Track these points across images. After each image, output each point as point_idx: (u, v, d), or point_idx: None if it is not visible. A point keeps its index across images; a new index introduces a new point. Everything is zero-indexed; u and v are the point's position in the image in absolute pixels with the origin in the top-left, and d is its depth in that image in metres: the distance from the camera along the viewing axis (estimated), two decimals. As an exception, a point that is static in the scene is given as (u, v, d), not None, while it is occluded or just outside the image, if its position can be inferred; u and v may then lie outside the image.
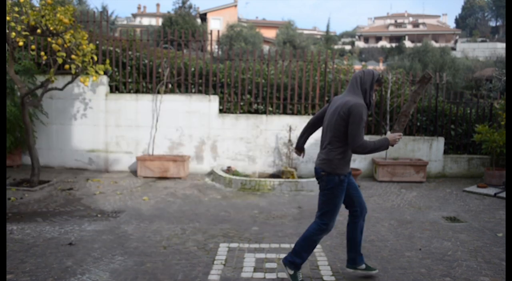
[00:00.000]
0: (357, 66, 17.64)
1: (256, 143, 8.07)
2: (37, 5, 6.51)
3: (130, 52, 8.37)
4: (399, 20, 58.05)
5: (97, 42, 8.19)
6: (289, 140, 7.78)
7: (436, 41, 43.85)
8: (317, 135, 8.37)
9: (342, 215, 5.51)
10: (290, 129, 7.84)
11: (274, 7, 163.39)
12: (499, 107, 8.28)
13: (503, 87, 11.55)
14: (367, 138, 8.19)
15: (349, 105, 3.14)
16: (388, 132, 3.34)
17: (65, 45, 6.35)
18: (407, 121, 3.45)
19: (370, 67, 13.53)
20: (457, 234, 4.77)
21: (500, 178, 7.47)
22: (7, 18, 5.91)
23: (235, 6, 35.08)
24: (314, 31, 53.81)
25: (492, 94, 13.62)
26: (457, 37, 48.42)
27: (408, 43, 42.27)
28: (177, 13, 28.93)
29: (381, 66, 27.25)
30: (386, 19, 59.93)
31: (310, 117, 8.05)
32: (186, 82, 8.30)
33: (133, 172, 8.00)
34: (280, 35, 27.50)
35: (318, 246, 4.27)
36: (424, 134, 8.55)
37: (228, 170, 7.65)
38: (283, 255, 3.97)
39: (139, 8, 56.80)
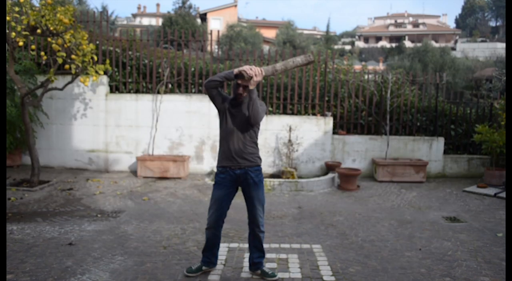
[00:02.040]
0: (357, 66, 17.63)
1: (256, 143, 8.06)
2: (37, 5, 6.51)
3: (130, 52, 8.37)
4: (399, 20, 58.02)
5: (97, 42, 8.19)
6: (289, 140, 7.78)
7: (436, 41, 43.83)
8: (316, 134, 8.33)
9: (342, 215, 5.52)
10: (290, 129, 7.84)
11: (274, 7, 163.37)
12: (499, 107, 8.28)
13: (503, 87, 11.56)
14: (366, 138, 8.21)
15: None
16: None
17: (65, 45, 6.35)
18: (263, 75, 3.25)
19: (370, 67, 13.55)
20: (457, 234, 4.77)
21: (500, 178, 7.47)
22: (7, 18, 5.91)
23: (235, 6, 35.06)
24: (314, 31, 53.80)
25: (492, 94, 13.62)
26: (457, 37, 48.40)
27: (408, 43, 42.25)
28: (177, 13, 28.91)
29: (381, 66, 27.24)
30: (386, 19, 59.90)
31: (310, 117, 8.11)
32: (186, 82, 8.30)
33: (133, 172, 8.00)
34: (280, 35, 27.50)
35: (318, 246, 4.27)
36: (424, 134, 8.55)
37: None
38: (283, 255, 3.98)
39: (139, 8, 56.80)
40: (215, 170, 3.50)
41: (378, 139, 8.23)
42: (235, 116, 3.39)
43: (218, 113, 3.54)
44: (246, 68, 3.17)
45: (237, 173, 3.34)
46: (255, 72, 3.15)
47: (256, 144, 3.45)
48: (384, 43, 48.49)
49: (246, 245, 4.22)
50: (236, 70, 3.22)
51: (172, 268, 3.64)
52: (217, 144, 8.27)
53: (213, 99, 3.47)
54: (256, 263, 3.53)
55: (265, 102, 8.28)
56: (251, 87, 3.21)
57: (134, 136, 8.09)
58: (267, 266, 3.72)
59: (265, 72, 3.25)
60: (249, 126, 3.37)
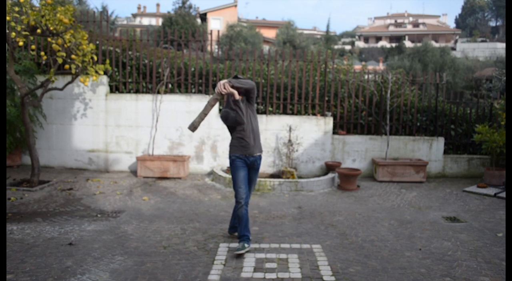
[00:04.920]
0: (357, 66, 17.62)
1: (256, 143, 8.06)
2: (37, 5, 6.51)
3: (130, 52, 8.37)
4: (399, 20, 58.02)
5: (97, 42, 8.19)
6: (289, 140, 7.78)
7: (436, 41, 43.86)
8: (316, 134, 8.34)
9: (342, 215, 5.52)
10: (290, 129, 7.84)
11: (274, 7, 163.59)
12: (499, 107, 8.28)
13: (503, 87, 11.55)
14: (366, 138, 8.21)
15: None
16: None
17: (65, 45, 6.35)
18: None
19: (370, 67, 13.54)
20: (457, 234, 4.77)
21: (500, 178, 7.47)
22: (7, 18, 5.91)
23: (235, 6, 35.05)
24: (314, 31, 53.82)
25: (492, 94, 13.63)
26: (457, 37, 48.40)
27: (408, 43, 42.27)
28: (177, 13, 28.90)
29: (381, 66, 27.24)
30: (386, 19, 59.89)
31: (310, 117, 8.11)
32: (186, 82, 8.30)
33: (133, 172, 8.00)
34: (280, 35, 27.48)
35: (318, 246, 4.27)
36: (424, 134, 8.55)
37: (228, 170, 7.65)
38: (283, 255, 3.98)
39: (139, 8, 56.81)
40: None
41: (378, 139, 8.23)
42: (245, 116, 4.08)
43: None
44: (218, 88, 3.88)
45: (251, 160, 4.16)
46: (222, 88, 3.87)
47: (259, 132, 4.26)
48: (384, 43, 48.50)
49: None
50: (214, 97, 3.95)
51: (172, 268, 3.64)
52: (217, 144, 8.33)
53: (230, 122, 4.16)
54: (235, 227, 4.37)
55: (265, 102, 8.29)
56: (237, 97, 3.98)
57: (134, 136, 8.10)
58: (267, 266, 3.73)
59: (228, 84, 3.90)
60: (254, 115, 4.16)
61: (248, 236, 4.09)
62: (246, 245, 4.02)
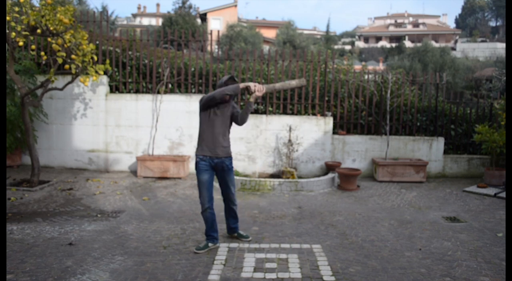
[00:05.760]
0: (357, 66, 17.62)
1: (256, 143, 8.07)
2: (37, 5, 6.51)
3: (130, 52, 8.37)
4: (399, 20, 58.02)
5: (97, 42, 8.19)
6: (289, 140, 7.78)
7: (436, 41, 43.85)
8: (316, 134, 8.35)
9: (342, 215, 5.52)
10: (290, 129, 7.84)
11: (274, 7, 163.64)
12: (499, 107, 8.28)
13: (503, 87, 11.55)
14: (366, 138, 8.21)
15: None
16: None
17: (65, 45, 6.34)
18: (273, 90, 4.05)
19: (370, 67, 13.54)
20: (457, 234, 4.77)
21: (500, 178, 7.47)
22: (7, 18, 5.91)
23: (235, 6, 35.04)
24: (314, 31, 53.83)
25: (492, 94, 13.63)
26: (457, 37, 48.40)
27: (408, 43, 42.27)
28: (177, 13, 28.89)
29: (381, 66, 27.24)
30: (386, 19, 59.90)
31: (310, 117, 8.11)
32: (186, 82, 8.30)
33: (133, 172, 8.00)
34: (280, 35, 27.47)
35: (318, 246, 4.27)
36: (424, 134, 8.55)
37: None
38: (283, 255, 3.98)
39: (139, 8, 56.80)
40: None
41: (378, 139, 8.23)
42: (218, 115, 4.04)
43: (201, 111, 4.08)
44: (251, 84, 3.84)
45: (215, 161, 4.08)
46: (258, 89, 3.86)
47: (229, 139, 4.20)
48: (384, 43, 48.50)
49: (246, 245, 4.25)
50: (242, 85, 3.85)
51: (172, 268, 3.64)
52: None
53: (209, 105, 3.98)
54: (233, 228, 4.45)
55: (265, 102, 8.29)
56: (252, 99, 3.98)
57: (134, 136, 8.10)
58: (267, 266, 3.73)
59: (266, 89, 3.93)
60: (229, 124, 4.14)
61: (214, 236, 4.15)
62: (210, 244, 4.12)
